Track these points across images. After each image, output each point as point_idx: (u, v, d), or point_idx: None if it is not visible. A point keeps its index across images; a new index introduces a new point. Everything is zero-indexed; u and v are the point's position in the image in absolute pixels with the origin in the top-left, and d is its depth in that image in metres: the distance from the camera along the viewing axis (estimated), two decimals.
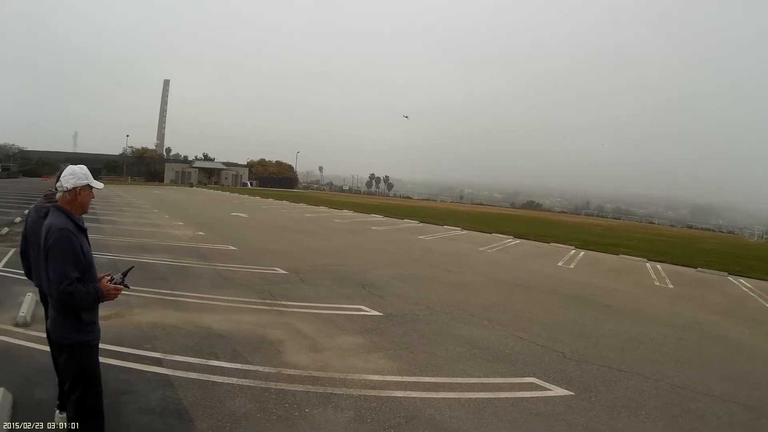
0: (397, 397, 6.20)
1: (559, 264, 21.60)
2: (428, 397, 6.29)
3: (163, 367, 6.39)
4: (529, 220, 57.74)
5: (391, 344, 8.29)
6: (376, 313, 10.15)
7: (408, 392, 6.38)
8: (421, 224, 35.52)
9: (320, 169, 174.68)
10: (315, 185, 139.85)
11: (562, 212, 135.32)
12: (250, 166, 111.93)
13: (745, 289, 19.76)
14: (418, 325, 9.62)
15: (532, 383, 7.19)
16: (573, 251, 27.18)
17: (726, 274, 23.68)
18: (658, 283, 18.96)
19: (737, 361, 9.74)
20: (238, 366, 6.64)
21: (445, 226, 34.86)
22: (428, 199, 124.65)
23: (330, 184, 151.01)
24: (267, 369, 6.63)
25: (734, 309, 15.47)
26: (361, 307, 10.50)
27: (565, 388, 7.09)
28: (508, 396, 6.61)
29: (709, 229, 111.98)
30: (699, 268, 24.73)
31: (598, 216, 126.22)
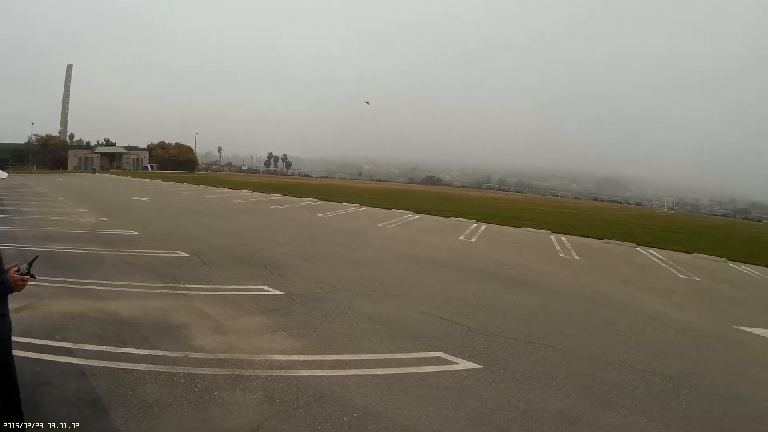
0: (304, 376, 6.27)
1: (461, 238, 22.08)
2: (335, 375, 6.38)
3: (75, 356, 6.29)
4: (429, 195, 58.66)
5: (294, 323, 8.35)
6: (278, 292, 10.22)
7: (314, 371, 6.45)
8: (320, 202, 35.67)
9: (219, 149, 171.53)
10: (214, 166, 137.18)
11: (463, 186, 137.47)
12: (151, 149, 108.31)
13: (655, 260, 20.56)
14: (321, 303, 9.73)
15: (438, 357, 7.30)
16: (474, 225, 27.78)
17: (635, 244, 24.54)
18: (563, 255, 19.62)
19: (650, 331, 10.00)
20: (147, 352, 6.59)
21: (344, 203, 35.00)
22: (327, 177, 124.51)
23: (229, 164, 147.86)
24: (174, 354, 6.61)
25: (645, 279, 16.05)
26: (263, 287, 10.55)
27: (473, 362, 7.20)
28: (415, 371, 6.71)
29: (616, 201, 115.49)
30: (606, 240, 25.50)
31: (499, 190, 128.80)
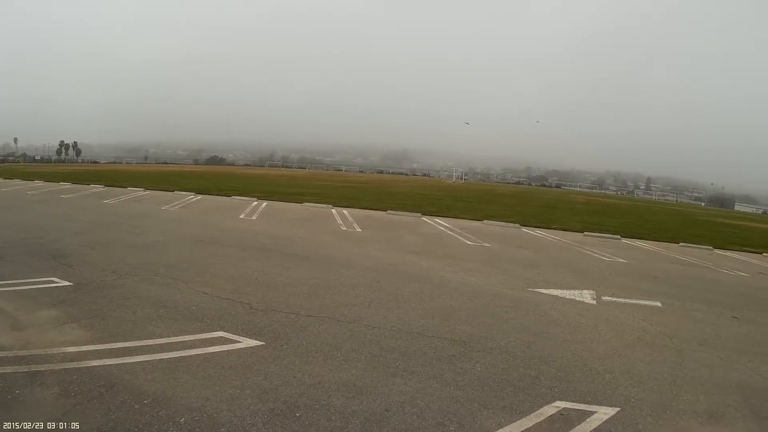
0: (94, 366, 6.44)
1: (241, 216, 22.90)
2: (123, 363, 6.60)
3: None
4: (212, 176, 58.20)
5: (82, 313, 8.46)
6: (67, 283, 10.27)
7: (104, 360, 6.63)
8: (106, 188, 34.40)
9: (15, 140, 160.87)
10: (11, 158, 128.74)
11: (246, 165, 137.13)
12: None
13: (442, 228, 22.43)
14: (107, 290, 9.90)
15: (220, 337, 7.70)
16: (255, 203, 28.60)
17: (420, 215, 26.35)
18: (345, 228, 20.83)
19: (438, 298, 10.65)
20: None
21: (129, 188, 34.23)
22: (114, 162, 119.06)
23: (24, 155, 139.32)
24: None
25: (431, 248, 17.14)
26: (53, 278, 10.52)
27: (255, 339, 7.65)
28: (199, 352, 7.07)
29: (402, 173, 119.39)
30: (389, 211, 27.39)
31: (283, 167, 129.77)
